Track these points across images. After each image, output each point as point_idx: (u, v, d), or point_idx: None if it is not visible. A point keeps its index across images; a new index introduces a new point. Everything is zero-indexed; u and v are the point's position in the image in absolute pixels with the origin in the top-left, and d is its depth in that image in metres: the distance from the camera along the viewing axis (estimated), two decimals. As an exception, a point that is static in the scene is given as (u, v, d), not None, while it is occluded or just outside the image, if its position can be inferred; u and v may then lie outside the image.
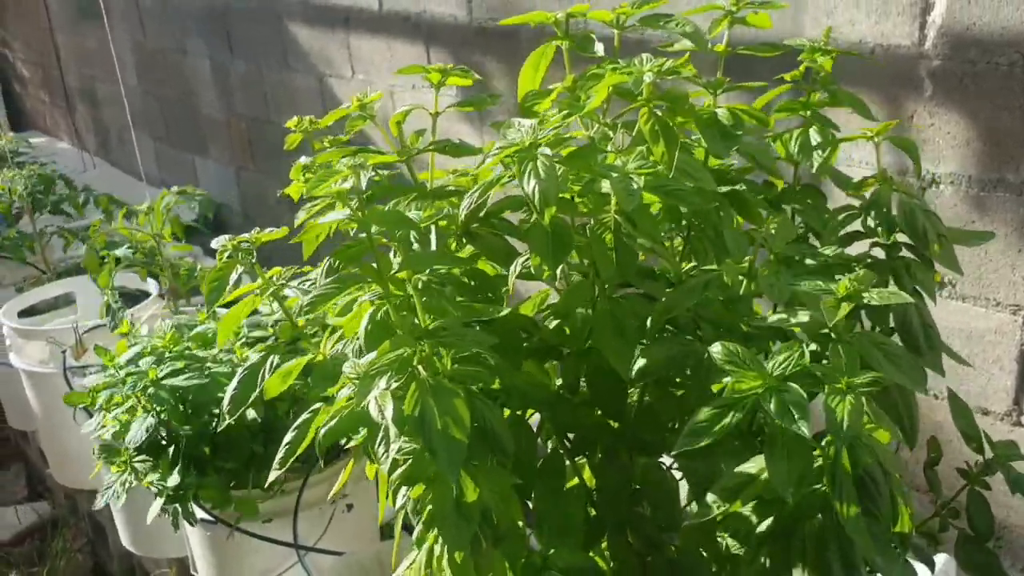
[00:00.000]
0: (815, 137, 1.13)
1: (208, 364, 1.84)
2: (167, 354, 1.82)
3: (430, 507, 0.93)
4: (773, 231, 0.98)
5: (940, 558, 1.86)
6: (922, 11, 1.66)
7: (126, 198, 3.42)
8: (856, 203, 1.15)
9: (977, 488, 1.14)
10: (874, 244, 1.11)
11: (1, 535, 3.33)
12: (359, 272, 0.95)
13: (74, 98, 5.86)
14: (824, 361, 0.93)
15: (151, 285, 2.80)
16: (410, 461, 0.92)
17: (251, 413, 1.77)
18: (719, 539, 1.17)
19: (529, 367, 1.14)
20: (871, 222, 1.08)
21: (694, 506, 1.19)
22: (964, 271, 1.76)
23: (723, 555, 1.15)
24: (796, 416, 0.84)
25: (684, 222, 1.12)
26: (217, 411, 1.83)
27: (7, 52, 6.74)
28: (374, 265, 0.95)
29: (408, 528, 1.13)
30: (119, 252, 2.42)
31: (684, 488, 1.20)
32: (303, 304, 0.96)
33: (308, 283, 1.02)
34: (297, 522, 1.98)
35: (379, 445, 0.92)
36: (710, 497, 0.98)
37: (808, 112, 1.17)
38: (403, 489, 0.95)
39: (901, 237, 1.12)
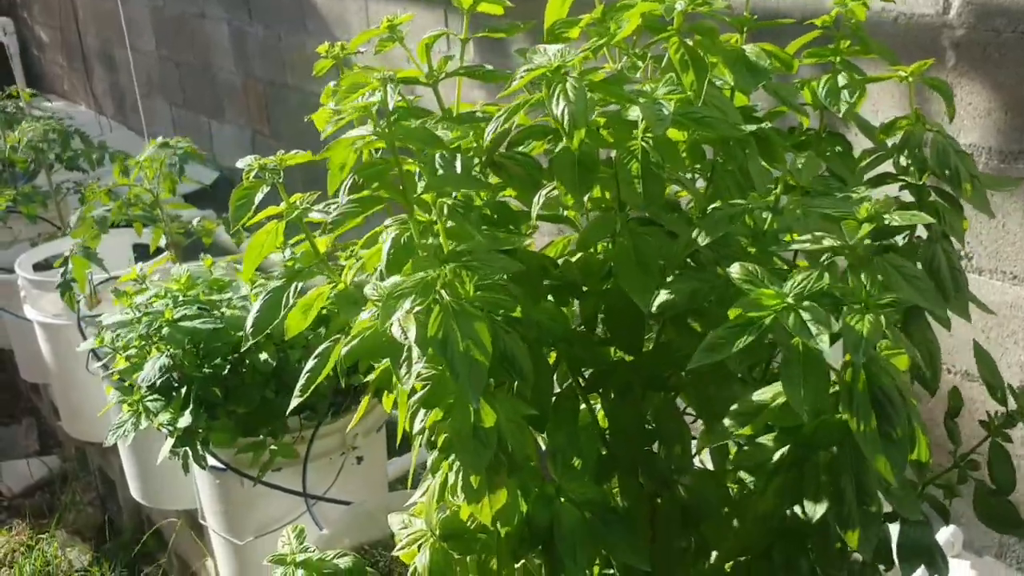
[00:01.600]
0: (843, 82, 1.13)
1: (222, 309, 1.85)
2: (182, 297, 1.82)
3: (447, 433, 0.93)
4: (800, 167, 0.98)
5: (947, 530, 1.86)
6: (946, -20, 1.65)
7: (142, 161, 3.42)
8: (884, 147, 1.14)
9: (998, 440, 1.13)
10: (903, 187, 1.10)
11: (12, 487, 3.35)
12: (383, 191, 0.95)
13: (92, 61, 5.86)
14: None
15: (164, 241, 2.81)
16: (429, 386, 0.92)
17: (264, 357, 1.77)
18: (730, 482, 1.18)
19: (547, 306, 1.14)
20: (903, 161, 1.07)
21: (706, 448, 1.20)
22: (981, 244, 1.75)
23: (733, 499, 1.16)
24: (815, 332, 0.84)
25: (709, 163, 1.11)
26: (231, 356, 1.84)
27: (26, 16, 6.74)
28: (399, 186, 0.94)
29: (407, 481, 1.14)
30: (96, 212, 2.41)
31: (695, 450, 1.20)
32: (327, 222, 0.95)
33: (332, 207, 1.02)
34: (307, 471, 1.99)
35: (401, 366, 0.92)
36: (726, 421, 0.98)
37: (837, 59, 1.16)
38: (420, 414, 0.95)
39: (931, 182, 1.11)
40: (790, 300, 0.88)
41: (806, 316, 0.86)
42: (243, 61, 4.05)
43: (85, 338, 2.42)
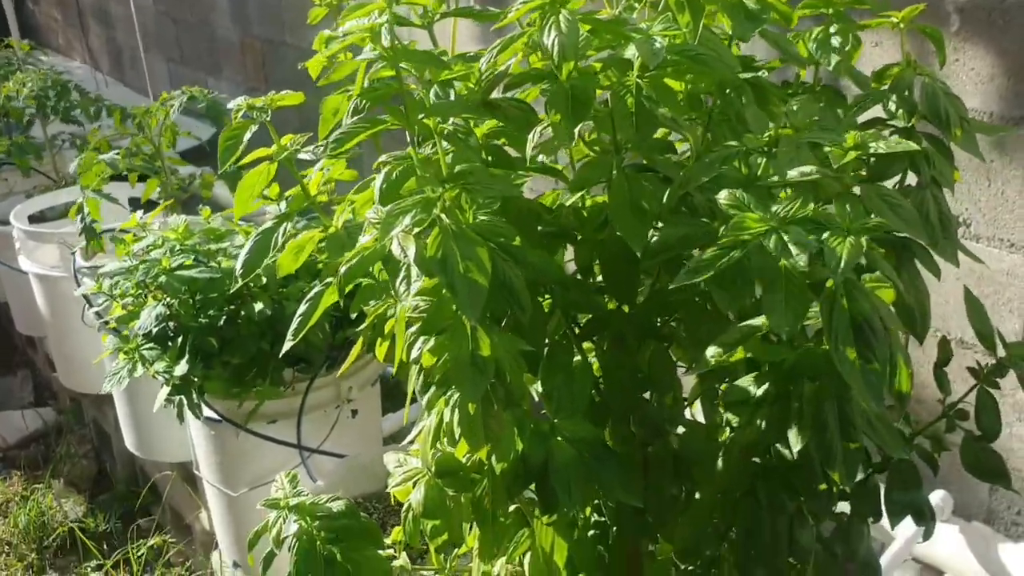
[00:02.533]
0: (835, 35, 1.12)
1: (219, 259, 1.85)
2: (179, 247, 1.82)
3: (444, 364, 0.93)
4: (795, 108, 0.98)
5: (937, 494, 1.88)
6: (953, -56, 1.64)
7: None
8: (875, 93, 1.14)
9: (987, 388, 1.14)
10: (892, 133, 1.10)
11: (7, 438, 3.37)
12: (387, 115, 0.95)
13: (88, 17, 5.81)
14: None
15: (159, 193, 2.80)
16: (427, 314, 0.93)
17: (259, 306, 1.78)
18: (721, 436, 1.18)
19: (540, 254, 1.14)
20: (891, 105, 1.07)
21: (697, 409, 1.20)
22: (980, 211, 1.75)
23: (723, 445, 1.16)
24: (795, 252, 0.84)
25: (705, 111, 1.11)
26: (227, 307, 1.84)
27: (21, -32, 6.68)
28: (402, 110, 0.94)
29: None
30: (106, 156, 2.40)
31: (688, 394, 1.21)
32: (329, 142, 0.95)
33: (322, 147, 1.01)
34: (301, 424, 2.00)
35: (400, 283, 0.92)
36: (711, 351, 0.98)
37: (830, 10, 1.15)
38: (418, 343, 0.95)
39: (922, 129, 1.11)
40: (773, 223, 0.88)
41: (788, 237, 0.87)
42: (241, 18, 4.02)
43: (81, 288, 2.42)
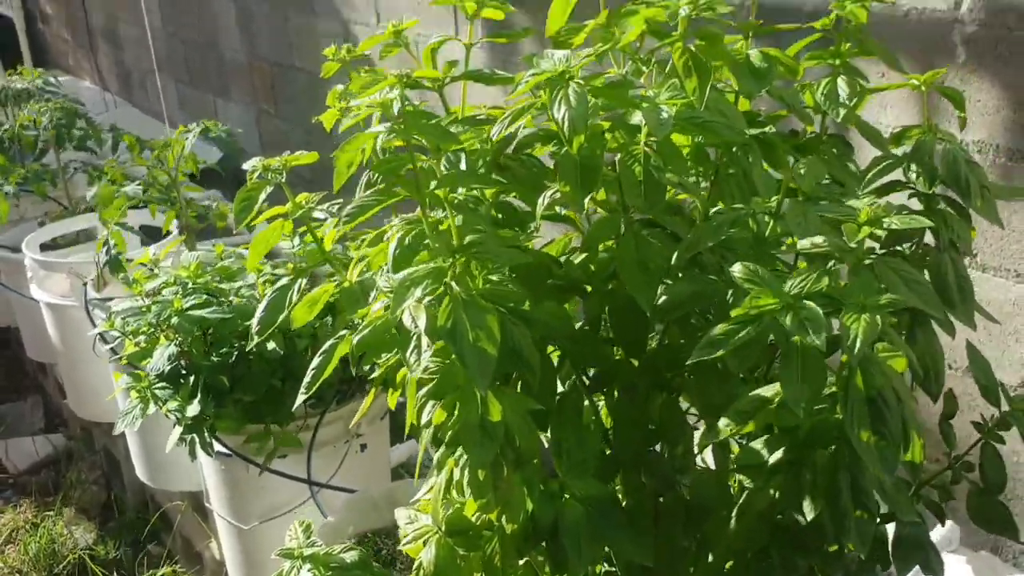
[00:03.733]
0: (842, 86, 1.13)
1: (231, 298, 1.86)
2: (191, 285, 1.84)
3: (454, 427, 0.95)
4: (802, 171, 0.99)
5: (944, 527, 1.88)
6: (959, -24, 1.65)
7: (148, 139, 3.43)
8: (893, 155, 1.15)
9: (991, 441, 1.15)
10: (911, 196, 1.11)
11: (18, 464, 3.38)
12: (399, 186, 0.97)
13: (97, 38, 5.85)
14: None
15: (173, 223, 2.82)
16: (437, 378, 0.94)
17: (271, 345, 1.79)
18: (731, 482, 1.19)
19: (550, 306, 1.15)
20: (912, 171, 1.08)
21: (707, 445, 1.21)
22: (986, 242, 1.76)
23: (734, 497, 1.17)
24: (811, 330, 0.85)
25: (712, 166, 1.12)
26: (238, 344, 1.85)
27: (31, -10, 6.73)
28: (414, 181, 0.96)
29: (414, 473, 1.15)
30: (128, 188, 2.43)
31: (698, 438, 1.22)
32: (342, 216, 0.97)
33: (336, 207, 1.03)
34: (311, 459, 2.01)
35: (411, 354, 0.93)
36: (724, 421, 0.99)
37: (837, 61, 1.16)
38: (428, 407, 0.96)
39: (940, 192, 1.11)
40: (789, 299, 0.90)
41: (804, 314, 0.88)
42: (249, 40, 4.04)
43: (92, 320, 2.44)
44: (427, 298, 0.89)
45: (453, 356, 0.93)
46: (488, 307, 0.90)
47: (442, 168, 1.00)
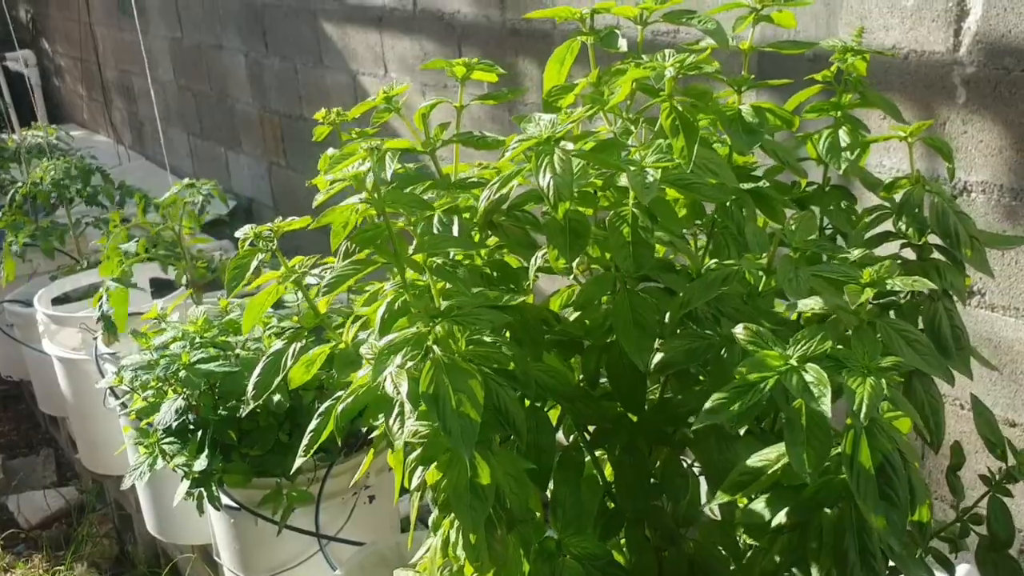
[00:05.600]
0: (844, 138, 1.13)
1: (237, 351, 1.87)
2: (199, 339, 1.85)
3: (445, 489, 0.94)
4: (794, 227, 0.99)
5: (962, 568, 1.85)
6: (957, 18, 1.65)
7: (160, 191, 3.47)
8: (887, 205, 1.15)
9: (998, 495, 1.13)
10: (904, 245, 1.11)
11: (29, 518, 3.38)
12: (376, 255, 0.97)
13: (111, 92, 5.94)
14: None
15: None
16: (425, 443, 0.94)
17: (276, 397, 1.79)
18: (737, 535, 1.18)
19: (551, 360, 1.15)
20: (902, 223, 1.08)
21: (714, 503, 1.20)
22: (994, 281, 1.74)
23: (740, 552, 1.16)
24: (816, 395, 0.85)
25: (708, 219, 1.12)
26: (245, 398, 1.86)
27: (47, 47, 6.84)
28: (392, 249, 0.96)
29: (423, 523, 1.15)
30: (126, 246, 2.44)
31: (703, 487, 1.21)
32: (321, 287, 0.98)
33: (329, 270, 1.04)
34: (319, 512, 2.01)
35: (394, 422, 0.93)
36: (728, 483, 0.98)
37: (839, 113, 1.17)
38: (418, 472, 0.96)
39: (933, 240, 1.11)
40: (793, 362, 0.89)
41: (809, 378, 0.88)
42: (259, 93, 4.09)
43: (103, 374, 2.45)
44: (409, 363, 0.89)
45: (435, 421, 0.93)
46: (471, 370, 0.90)
47: (435, 226, 1.01)
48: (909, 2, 1.71)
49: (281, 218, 1.12)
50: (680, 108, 0.96)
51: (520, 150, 0.94)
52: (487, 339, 0.96)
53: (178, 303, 2.16)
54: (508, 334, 1.06)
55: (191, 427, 1.84)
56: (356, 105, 1.14)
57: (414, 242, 1.00)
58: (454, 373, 0.90)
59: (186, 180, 2.54)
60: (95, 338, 2.59)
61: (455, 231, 1.01)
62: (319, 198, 0.98)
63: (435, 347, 0.91)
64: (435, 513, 1.00)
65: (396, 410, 0.94)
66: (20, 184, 3.33)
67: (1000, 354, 1.76)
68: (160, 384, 1.87)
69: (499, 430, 0.94)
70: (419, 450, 0.94)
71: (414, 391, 0.88)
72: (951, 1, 1.65)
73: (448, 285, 0.95)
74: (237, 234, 1.10)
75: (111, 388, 2.15)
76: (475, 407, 0.88)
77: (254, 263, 1.09)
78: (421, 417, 0.94)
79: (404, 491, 1.06)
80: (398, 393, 0.89)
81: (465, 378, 0.89)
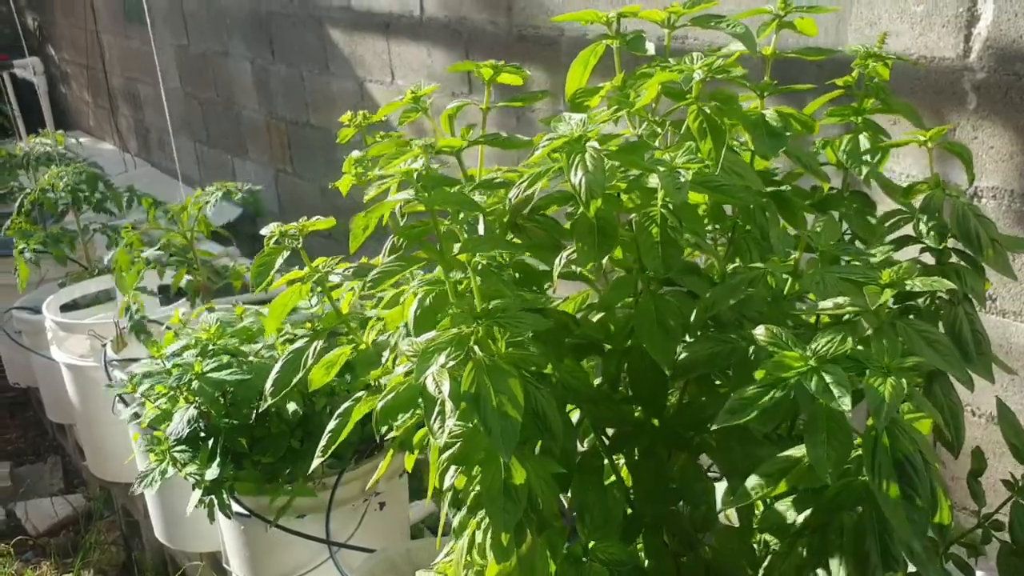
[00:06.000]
0: (864, 143, 1.14)
1: (250, 359, 1.87)
2: (211, 347, 1.84)
3: (476, 490, 0.94)
4: (819, 230, 0.99)
5: (981, 574, 1.85)
6: (967, 23, 1.66)
7: (166, 198, 3.47)
8: (904, 210, 1.15)
9: (1021, 500, 1.13)
10: (924, 249, 1.11)
11: (37, 525, 3.37)
12: (422, 252, 0.98)
13: (117, 99, 5.95)
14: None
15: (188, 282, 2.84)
16: (460, 442, 0.94)
17: (291, 407, 1.79)
18: (754, 541, 1.18)
19: (569, 364, 1.15)
20: (922, 227, 1.08)
21: (731, 508, 1.20)
22: (1005, 287, 1.75)
23: (758, 558, 1.16)
24: (837, 394, 0.85)
25: (729, 222, 1.12)
26: (256, 405, 1.85)
27: (54, 55, 6.86)
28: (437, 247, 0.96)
29: (433, 530, 1.15)
30: (147, 253, 2.45)
31: (720, 492, 1.21)
32: (366, 281, 0.98)
33: (352, 271, 1.04)
34: (330, 518, 2.00)
35: (434, 421, 0.93)
36: (750, 482, 0.98)
37: (859, 119, 1.17)
38: (451, 471, 0.96)
39: (952, 244, 1.11)
40: (813, 362, 0.89)
41: (829, 378, 0.88)
42: (266, 100, 4.10)
43: (111, 381, 2.44)
44: (451, 363, 0.90)
45: (476, 420, 0.93)
46: (511, 371, 0.91)
47: (463, 231, 1.01)
48: (919, 8, 1.72)
49: (305, 218, 1.12)
50: (708, 111, 0.97)
51: (551, 147, 0.94)
52: (519, 340, 0.96)
53: (203, 310, 2.16)
54: (531, 336, 1.06)
55: (203, 435, 1.83)
56: (363, 111, 1.15)
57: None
58: (495, 374, 0.90)
59: (215, 187, 2.54)
60: (104, 345, 2.59)
61: (481, 230, 1.02)
62: (371, 192, 0.98)
63: (476, 348, 0.91)
64: (461, 514, 0.99)
65: (437, 409, 0.94)
66: (28, 191, 3.33)
67: (1012, 359, 1.76)
68: (172, 393, 1.86)
69: (536, 433, 0.94)
70: (452, 449, 0.94)
71: (455, 390, 0.89)
72: (961, 7, 1.65)
73: (487, 285, 0.95)
74: (262, 231, 1.10)
75: (122, 397, 2.15)
76: (516, 408, 0.88)
77: (279, 260, 1.09)
78: (459, 417, 0.95)
79: (415, 496, 1.06)
80: (440, 392, 0.89)
81: (506, 379, 0.90)
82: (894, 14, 1.76)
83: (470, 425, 0.94)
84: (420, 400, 0.95)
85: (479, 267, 0.95)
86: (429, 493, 1.02)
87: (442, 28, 2.91)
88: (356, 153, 1.09)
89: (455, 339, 0.90)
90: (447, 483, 0.96)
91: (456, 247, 0.96)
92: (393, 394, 0.99)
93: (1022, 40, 1.59)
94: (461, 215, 0.99)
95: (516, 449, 0.91)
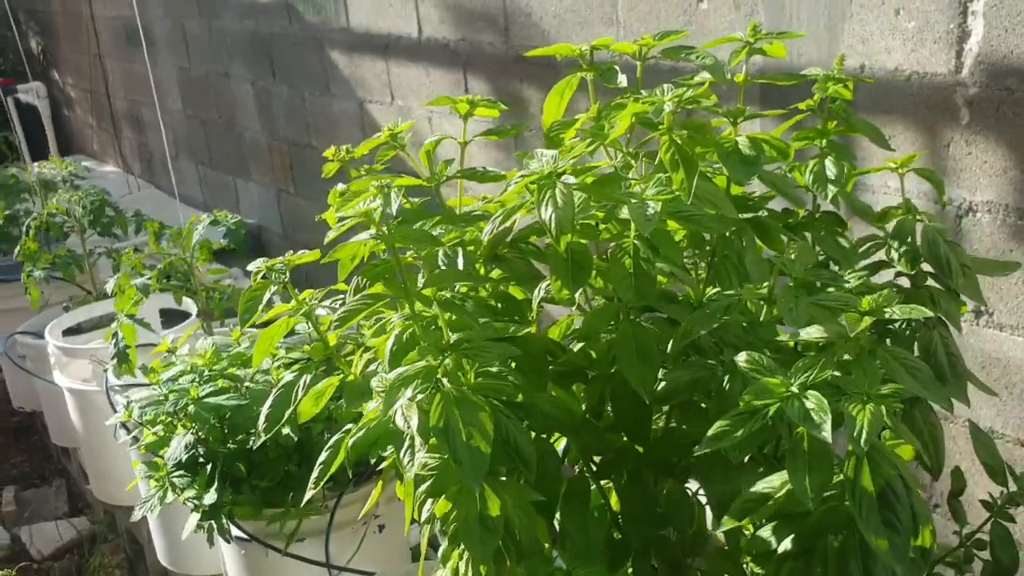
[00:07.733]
0: (830, 167, 1.15)
1: (246, 384, 1.88)
2: (207, 372, 1.86)
3: (454, 521, 0.95)
4: (793, 257, 1.00)
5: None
6: (959, 39, 1.66)
7: (170, 220, 3.49)
8: (880, 233, 1.16)
9: (1000, 520, 1.14)
10: (899, 273, 1.12)
11: (42, 549, 3.39)
12: (386, 289, 0.99)
13: (120, 122, 5.99)
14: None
15: (191, 305, 2.86)
16: (436, 475, 0.95)
17: (287, 430, 1.80)
18: (743, 564, 1.18)
19: (556, 391, 1.16)
20: (894, 253, 1.09)
21: (719, 531, 1.21)
22: (1002, 300, 1.75)
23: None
24: (817, 421, 0.86)
25: (708, 248, 1.14)
26: (254, 431, 1.87)
27: (58, 79, 6.91)
28: (401, 283, 0.98)
29: (435, 547, 1.16)
30: (138, 281, 2.46)
31: (710, 515, 1.21)
32: (333, 321, 0.99)
33: (339, 303, 1.05)
34: (329, 542, 2.01)
35: (404, 455, 0.95)
36: (735, 509, 0.99)
37: (823, 142, 1.18)
38: (428, 503, 0.97)
39: (927, 267, 1.12)
40: (794, 389, 0.90)
41: (810, 405, 0.89)
42: (268, 121, 4.13)
43: (113, 406, 2.46)
44: (419, 396, 0.91)
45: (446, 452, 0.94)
46: (480, 403, 0.92)
47: (439, 261, 1.02)
48: (911, 24, 1.72)
49: (292, 251, 1.13)
50: (679, 142, 0.98)
51: (522, 185, 0.96)
52: (494, 371, 0.97)
53: (189, 335, 2.18)
54: (513, 364, 1.07)
55: (201, 460, 1.85)
56: (364, 135, 1.16)
57: (420, 274, 1.02)
58: (464, 406, 0.91)
59: (206, 216, 2.56)
60: (106, 370, 2.60)
61: (460, 264, 1.03)
62: (331, 235, 1.00)
63: (444, 380, 0.92)
64: (444, 545, 1.01)
65: (407, 443, 0.95)
66: (35, 215, 3.37)
67: (1010, 373, 1.76)
68: (169, 419, 1.88)
69: (508, 462, 0.96)
70: (429, 482, 0.95)
71: (424, 424, 0.90)
72: (953, 23, 1.66)
73: (455, 317, 0.97)
74: (249, 267, 1.12)
75: (124, 424, 2.17)
76: (485, 439, 0.90)
77: (267, 296, 1.11)
78: (431, 450, 0.96)
79: (414, 521, 1.07)
80: (408, 426, 0.90)
81: (475, 411, 0.91)
82: (886, 31, 1.77)
83: (444, 457, 0.95)
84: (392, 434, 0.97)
85: (444, 300, 0.96)
86: (407, 522, 1.03)
87: (440, 49, 2.93)
88: (341, 186, 1.11)
89: (423, 372, 0.92)
90: (424, 515, 0.98)
91: (421, 282, 0.98)
92: (364, 430, 1.00)
93: (1013, 55, 1.59)
94: (427, 251, 1.01)
95: (489, 479, 0.92)
